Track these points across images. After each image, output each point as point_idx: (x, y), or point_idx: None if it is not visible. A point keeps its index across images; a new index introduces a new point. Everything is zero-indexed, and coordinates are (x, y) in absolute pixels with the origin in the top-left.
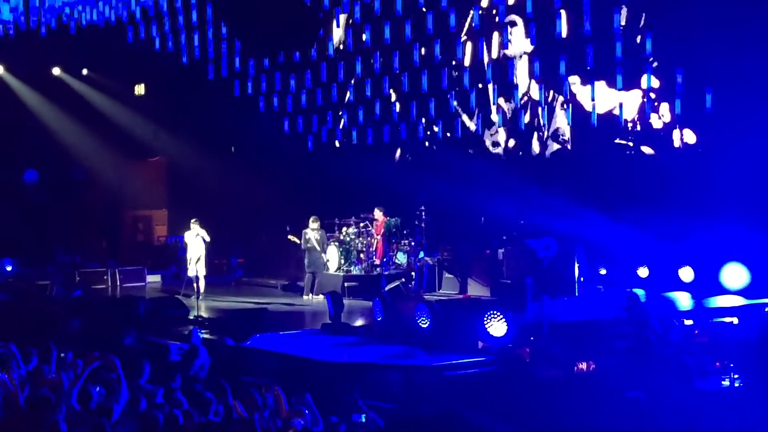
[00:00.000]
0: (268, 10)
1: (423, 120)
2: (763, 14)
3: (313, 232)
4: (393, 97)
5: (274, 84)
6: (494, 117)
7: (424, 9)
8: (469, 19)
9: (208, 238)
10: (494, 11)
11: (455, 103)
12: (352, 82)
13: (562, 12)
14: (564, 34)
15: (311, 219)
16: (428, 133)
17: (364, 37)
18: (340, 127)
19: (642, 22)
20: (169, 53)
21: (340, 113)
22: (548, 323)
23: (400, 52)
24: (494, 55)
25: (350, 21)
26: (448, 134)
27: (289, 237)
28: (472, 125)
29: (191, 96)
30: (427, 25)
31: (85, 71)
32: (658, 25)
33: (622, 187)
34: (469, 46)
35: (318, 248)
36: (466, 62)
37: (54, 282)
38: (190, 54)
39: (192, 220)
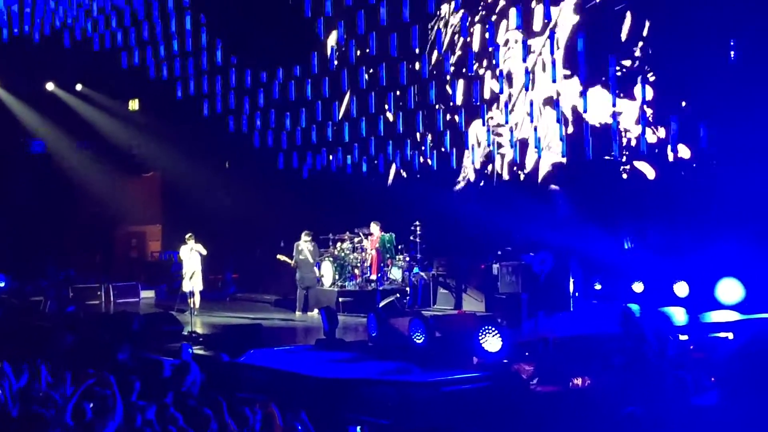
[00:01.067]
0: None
1: (418, 135)
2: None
3: (306, 243)
4: (388, 114)
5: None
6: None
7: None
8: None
9: (204, 252)
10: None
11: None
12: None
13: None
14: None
15: (304, 233)
16: (423, 148)
17: (359, 52)
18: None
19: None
20: (163, 65)
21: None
22: (552, 339)
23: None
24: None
25: (344, 36)
26: (443, 149)
27: (278, 257)
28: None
29: (185, 111)
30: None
31: (79, 86)
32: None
33: (617, 202)
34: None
35: (311, 260)
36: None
37: (47, 298)
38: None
39: (187, 235)
